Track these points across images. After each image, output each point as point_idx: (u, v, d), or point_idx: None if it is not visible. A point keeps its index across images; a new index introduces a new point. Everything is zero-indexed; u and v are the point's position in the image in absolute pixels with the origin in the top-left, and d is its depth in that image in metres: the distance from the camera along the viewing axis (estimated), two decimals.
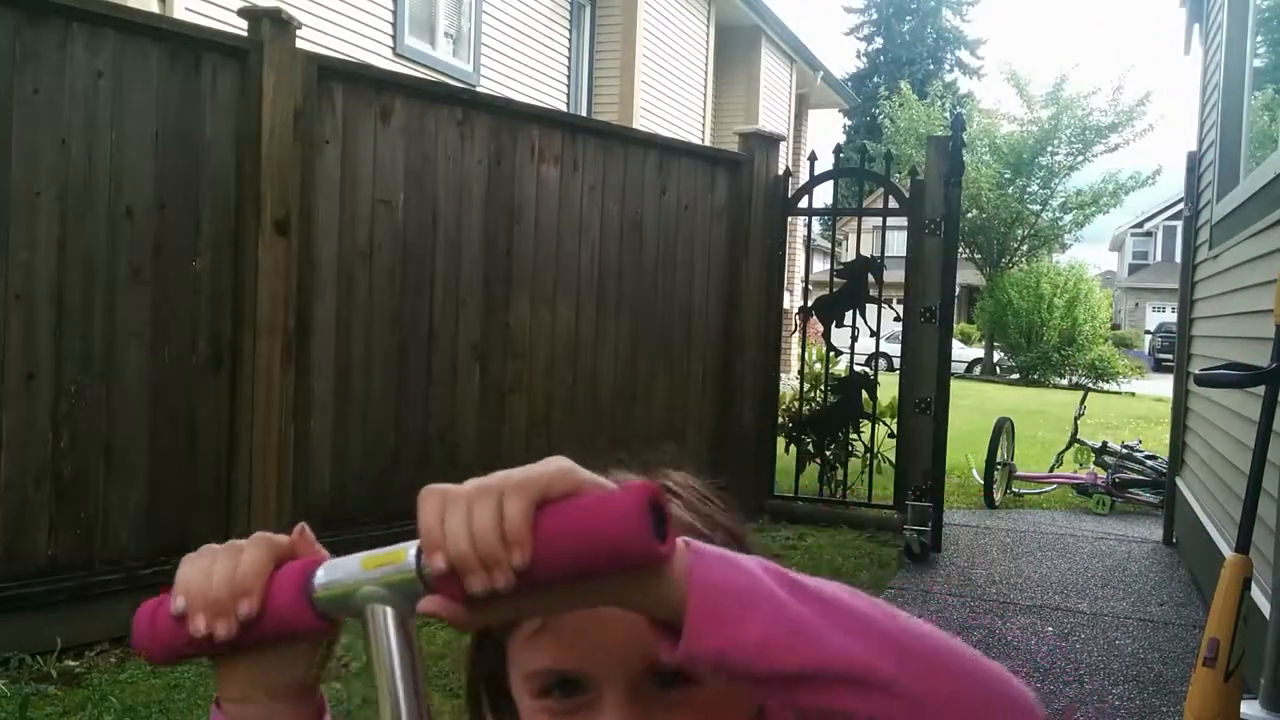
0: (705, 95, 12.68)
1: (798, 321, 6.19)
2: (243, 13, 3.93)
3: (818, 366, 6.51)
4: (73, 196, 3.32)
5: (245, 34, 3.84)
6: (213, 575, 0.59)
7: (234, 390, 3.75)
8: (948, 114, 22.97)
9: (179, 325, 3.61)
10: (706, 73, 12.67)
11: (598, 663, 0.65)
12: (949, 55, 46.83)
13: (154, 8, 5.71)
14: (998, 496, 7.11)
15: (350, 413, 4.15)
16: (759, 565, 0.56)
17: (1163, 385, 16.66)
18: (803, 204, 6.07)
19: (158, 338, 3.54)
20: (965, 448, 8.16)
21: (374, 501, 4.24)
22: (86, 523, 3.38)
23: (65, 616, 3.29)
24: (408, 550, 0.55)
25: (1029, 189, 23.39)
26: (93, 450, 3.39)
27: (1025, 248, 24.26)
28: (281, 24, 3.81)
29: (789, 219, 6.22)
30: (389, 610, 0.56)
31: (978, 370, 24.11)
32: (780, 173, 6.08)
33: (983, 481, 7.09)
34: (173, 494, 3.60)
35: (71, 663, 3.23)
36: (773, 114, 14.07)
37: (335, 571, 0.58)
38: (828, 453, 6.17)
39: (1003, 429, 7.24)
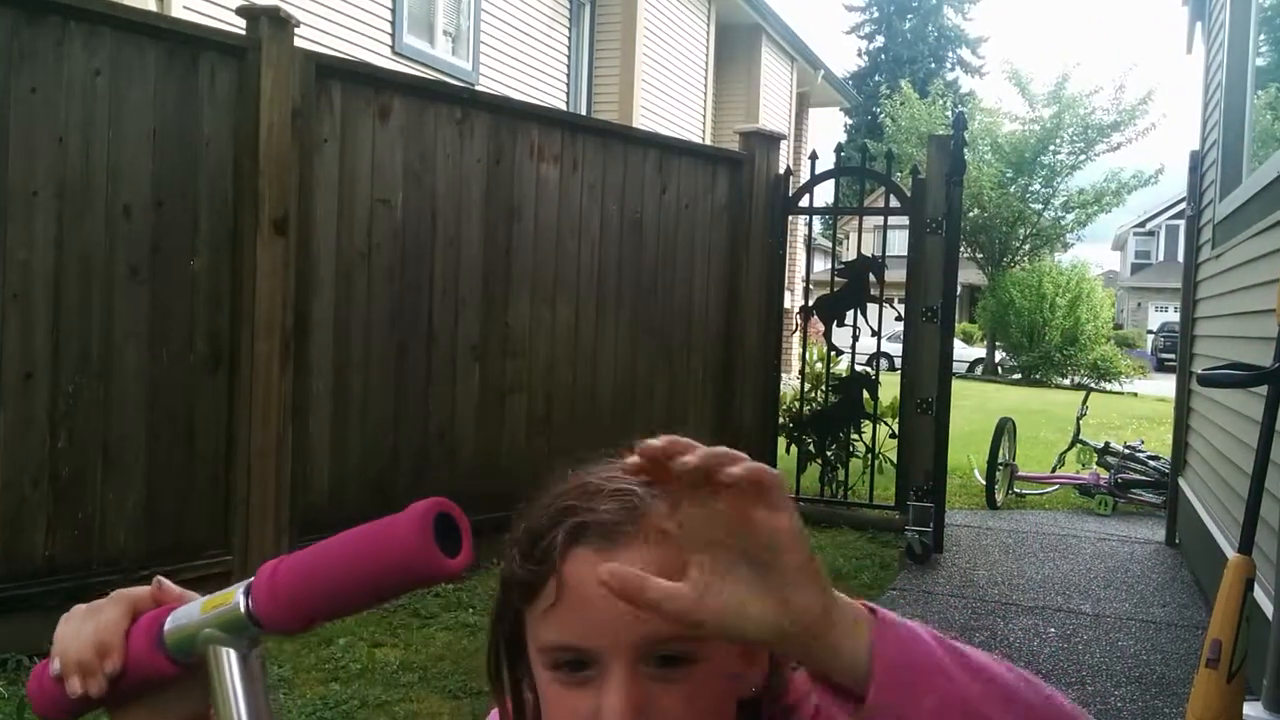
0: (705, 94, 12.66)
1: (799, 321, 6.17)
2: (241, 11, 3.92)
3: (819, 366, 6.49)
4: (70, 195, 3.31)
5: (243, 32, 3.83)
6: (80, 636, 0.61)
7: (232, 390, 3.74)
8: (949, 113, 22.97)
9: (177, 324, 3.60)
10: (707, 71, 12.65)
11: (604, 640, 0.69)
12: (950, 54, 46.79)
13: (152, 6, 5.69)
14: (1000, 497, 7.09)
15: (349, 412, 4.13)
16: (930, 635, 0.59)
17: (1165, 385, 16.63)
18: (804, 203, 6.05)
19: (156, 337, 3.53)
20: (967, 448, 8.15)
21: (373, 501, 4.22)
22: (84, 523, 3.36)
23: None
24: (237, 590, 0.57)
25: (1031, 188, 23.36)
26: (90, 450, 3.37)
27: (1027, 247, 24.22)
28: (280, 22, 3.79)
29: (790, 218, 6.20)
30: (229, 651, 0.57)
31: (979, 370, 24.09)
32: (781, 172, 6.06)
33: (984, 482, 7.07)
34: (171, 494, 3.59)
35: None
36: (773, 113, 14.05)
37: (180, 617, 0.59)
38: (829, 453, 6.15)
39: (1004, 429, 7.22)
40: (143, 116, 3.48)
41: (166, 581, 0.65)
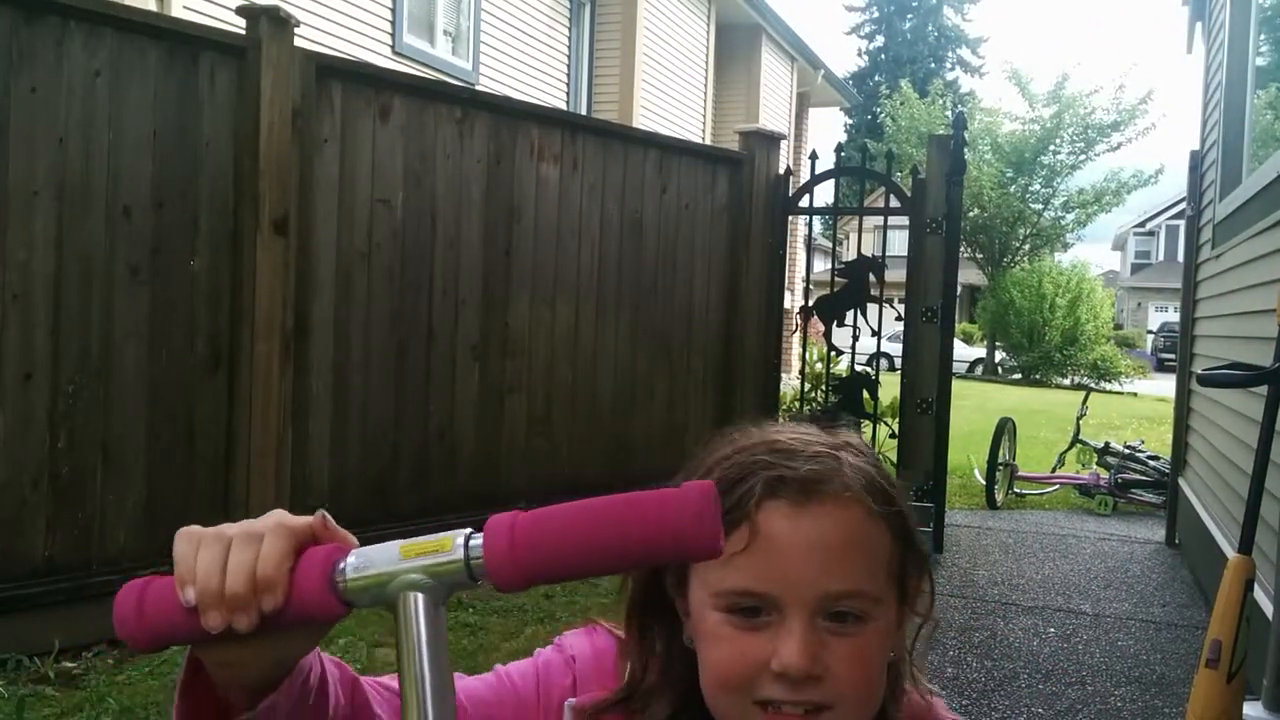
0: (705, 94, 12.66)
1: (799, 321, 6.17)
2: (241, 11, 3.92)
3: (819, 366, 6.49)
4: (70, 196, 3.31)
5: (243, 32, 3.83)
6: (229, 567, 0.57)
7: (232, 390, 3.74)
8: (949, 113, 22.98)
9: (177, 325, 3.60)
10: (707, 71, 12.65)
11: (789, 590, 0.73)
12: (950, 54, 46.80)
13: (152, 6, 5.69)
14: (1000, 497, 7.09)
15: (349, 412, 4.13)
16: None
17: (1165, 385, 16.63)
18: (804, 203, 6.05)
19: (156, 337, 3.53)
20: (967, 448, 8.15)
21: (373, 501, 4.22)
22: (84, 523, 3.36)
23: (62, 618, 3.27)
24: (455, 540, 0.56)
25: (1031, 188, 23.37)
26: (90, 450, 3.37)
27: (1027, 247, 24.23)
28: (280, 22, 3.79)
29: (790, 218, 6.20)
30: (421, 597, 0.55)
31: (979, 370, 24.09)
32: (781, 172, 6.06)
33: (984, 482, 7.07)
34: (171, 494, 3.59)
35: (69, 664, 3.21)
36: (773, 113, 14.05)
37: (369, 560, 0.57)
38: None
39: (1004, 429, 7.22)
40: (143, 117, 3.48)
41: (330, 518, 0.62)
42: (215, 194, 3.70)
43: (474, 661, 3.47)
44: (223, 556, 0.57)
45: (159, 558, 3.53)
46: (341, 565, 0.57)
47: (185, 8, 5.97)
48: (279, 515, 0.60)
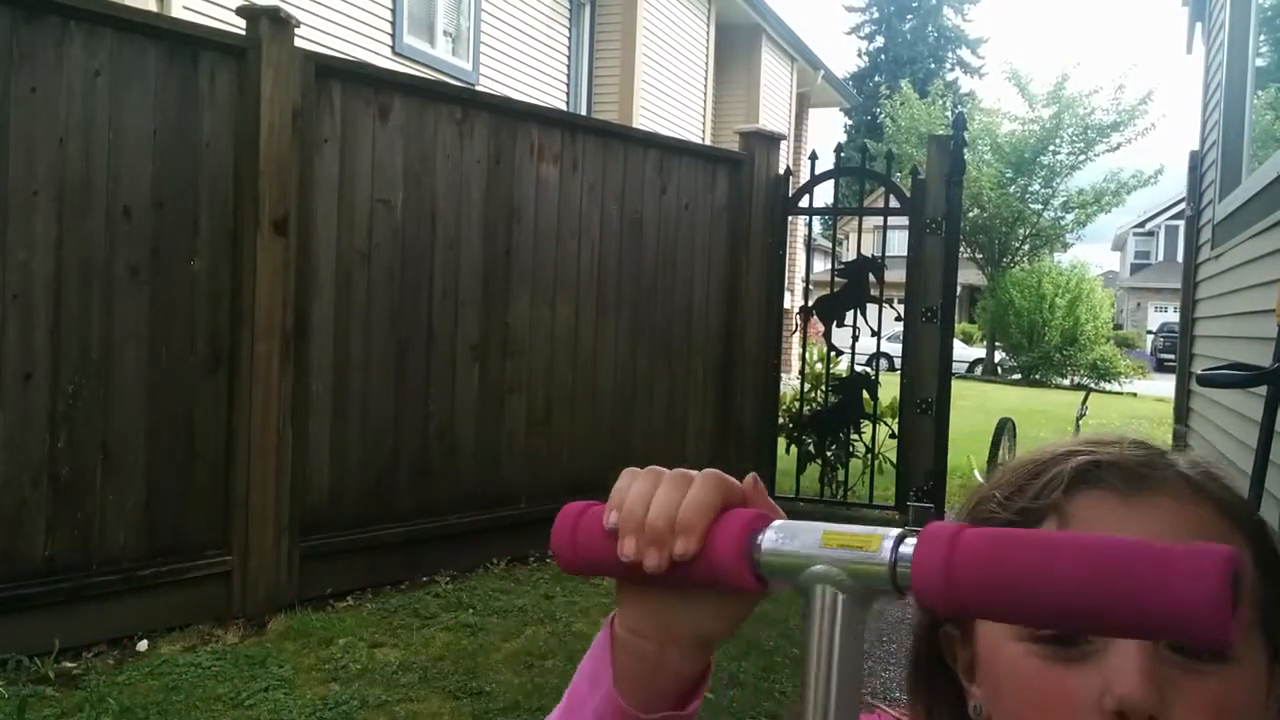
0: (705, 94, 12.66)
1: (798, 321, 6.17)
2: (241, 11, 3.92)
3: (819, 366, 6.49)
4: (70, 196, 3.31)
5: (243, 33, 3.82)
6: (654, 501, 0.54)
7: (232, 390, 3.73)
8: (949, 113, 22.98)
9: (177, 325, 3.59)
10: (707, 72, 12.65)
11: None
12: (950, 54, 46.79)
13: (152, 6, 5.69)
14: None
15: (349, 412, 4.13)
16: None
17: (1165, 385, 16.64)
18: (803, 203, 6.05)
19: (156, 338, 3.53)
20: (967, 448, 8.14)
21: (373, 501, 4.22)
22: (84, 523, 3.36)
23: (63, 618, 3.27)
24: (883, 540, 0.49)
25: (1030, 188, 23.37)
26: (90, 450, 3.37)
27: (1027, 247, 24.23)
28: (280, 22, 3.79)
29: (790, 218, 6.20)
30: (841, 597, 0.50)
31: (979, 370, 24.09)
32: (781, 172, 6.06)
33: (984, 482, 7.06)
34: (170, 494, 3.59)
35: (69, 664, 3.22)
36: (773, 113, 14.05)
37: (788, 537, 0.52)
38: (829, 453, 6.15)
39: (1004, 429, 7.21)
40: (143, 117, 3.48)
41: (762, 484, 0.57)
42: (215, 194, 3.69)
43: (473, 662, 3.48)
44: (651, 491, 0.55)
45: (160, 557, 3.54)
46: (762, 533, 0.53)
47: (185, 8, 5.97)
48: (715, 470, 0.56)
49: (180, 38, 3.60)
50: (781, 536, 0.52)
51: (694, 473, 0.56)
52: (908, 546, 0.48)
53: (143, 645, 3.42)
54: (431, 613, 3.94)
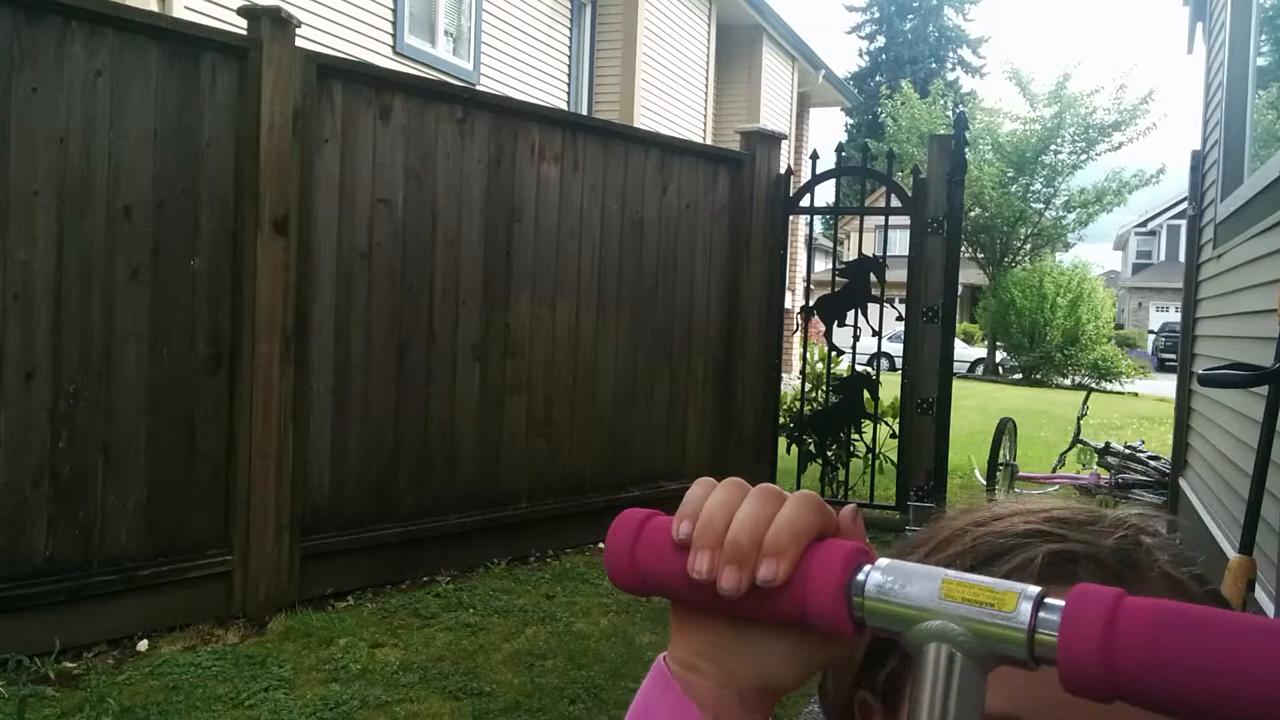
0: (706, 94, 12.66)
1: (799, 321, 6.17)
2: (242, 11, 3.92)
3: (820, 366, 6.48)
4: (71, 195, 3.31)
5: (245, 32, 3.82)
6: (739, 515, 0.48)
7: (233, 390, 3.74)
8: (950, 113, 22.97)
9: (177, 325, 3.60)
10: (708, 71, 12.65)
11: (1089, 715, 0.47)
12: (951, 54, 46.79)
13: (154, 6, 5.69)
14: (1000, 497, 7.07)
15: (349, 412, 4.13)
16: None
17: (1166, 385, 16.64)
18: (805, 203, 6.05)
19: (156, 337, 3.53)
20: (968, 448, 8.15)
21: (374, 502, 4.22)
22: (85, 523, 3.36)
23: (63, 618, 3.28)
24: (1019, 598, 0.42)
25: (1032, 188, 23.35)
26: (91, 450, 3.37)
27: (1028, 247, 24.22)
28: (281, 22, 3.79)
29: (791, 218, 6.20)
30: (960, 659, 0.43)
31: (980, 370, 24.09)
32: (782, 171, 6.06)
33: (985, 482, 7.07)
34: (171, 494, 3.59)
35: (69, 664, 3.22)
36: (774, 113, 14.05)
37: (901, 581, 0.45)
38: (829, 453, 6.15)
39: (1005, 429, 7.22)
40: (144, 116, 3.48)
41: (861, 520, 0.51)
42: (216, 194, 3.69)
43: (474, 662, 3.48)
44: (735, 503, 0.48)
45: (161, 557, 3.54)
46: (867, 571, 0.46)
47: (186, 8, 5.97)
48: (812, 493, 0.49)
49: (181, 37, 3.60)
50: (892, 579, 0.45)
51: (783, 491, 0.49)
52: (1051, 612, 0.41)
53: (143, 645, 3.43)
54: (432, 613, 3.94)
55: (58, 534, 3.30)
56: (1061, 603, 0.41)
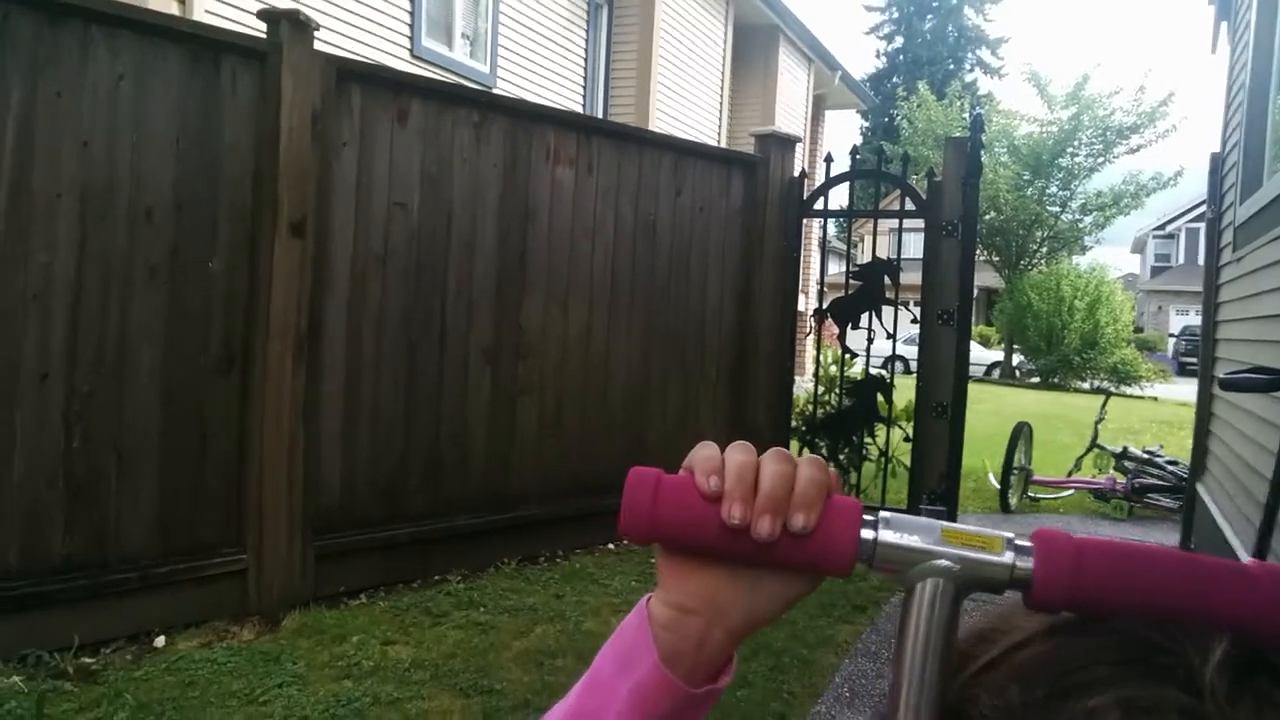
0: (721, 96, 12.66)
1: (813, 323, 6.16)
2: (262, 15, 3.95)
3: (833, 369, 6.47)
4: (93, 198, 3.35)
5: (264, 36, 3.85)
6: (769, 472, 0.54)
7: (245, 391, 3.77)
8: (966, 115, 22.86)
9: (192, 326, 3.63)
10: (723, 73, 12.65)
11: None
12: (970, 54, 46.57)
13: (174, 10, 5.75)
14: (1013, 500, 7.05)
15: (360, 414, 4.16)
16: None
17: (1187, 390, 16.51)
18: (819, 205, 6.04)
19: (171, 338, 3.57)
20: (982, 452, 8.12)
21: (384, 502, 4.25)
22: (100, 522, 3.40)
23: (81, 614, 3.31)
24: (1002, 544, 0.53)
25: (1048, 190, 23.24)
26: (105, 450, 3.41)
27: (1045, 250, 24.10)
28: (300, 26, 3.82)
29: (804, 221, 6.20)
30: (951, 587, 0.53)
31: (997, 373, 23.97)
32: (796, 174, 6.05)
33: (999, 485, 7.04)
34: (184, 493, 3.63)
35: (87, 660, 3.26)
36: (789, 115, 14.03)
37: (907, 527, 0.54)
38: (842, 456, 6.14)
39: (1021, 433, 7.19)
40: (165, 119, 3.52)
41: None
42: (235, 196, 3.73)
43: (484, 660, 3.49)
44: (754, 461, 0.55)
45: (176, 556, 3.57)
46: (874, 520, 0.55)
47: (207, 11, 6.02)
48: (818, 457, 0.57)
49: (202, 41, 3.64)
50: (898, 526, 0.54)
51: (787, 454, 0.56)
52: (1026, 555, 0.53)
53: (160, 641, 3.46)
54: (443, 611, 3.96)
55: (74, 533, 3.34)
56: (1030, 544, 0.53)
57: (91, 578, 3.35)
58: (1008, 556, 0.52)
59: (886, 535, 0.54)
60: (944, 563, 0.53)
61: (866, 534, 0.54)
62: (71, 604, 3.30)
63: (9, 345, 3.18)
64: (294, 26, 3.80)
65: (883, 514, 0.55)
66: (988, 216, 22.04)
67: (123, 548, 3.46)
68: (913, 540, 0.54)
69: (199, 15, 5.85)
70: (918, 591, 0.53)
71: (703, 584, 0.57)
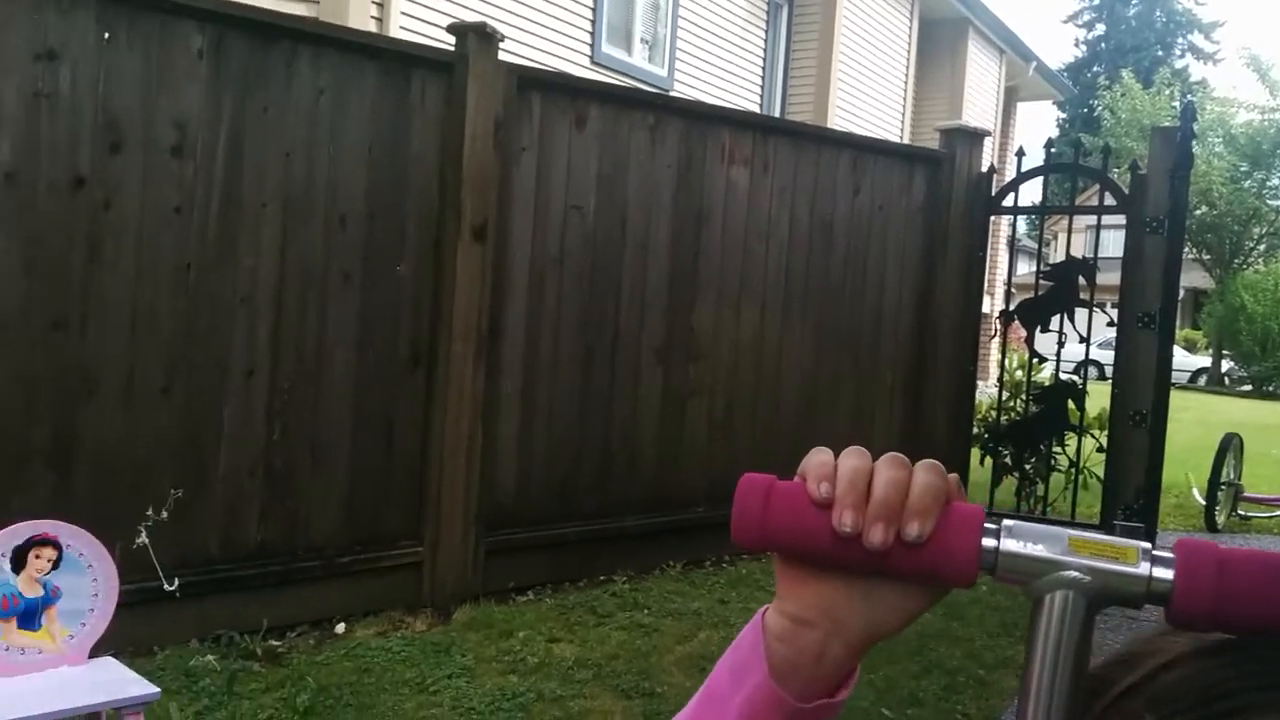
0: (905, 91, 12.29)
1: (998, 326, 5.88)
2: (451, 28, 4.10)
3: (1019, 374, 6.16)
4: (293, 207, 3.57)
5: (452, 48, 4.00)
6: (881, 479, 0.52)
7: (429, 391, 3.92)
8: (1175, 103, 21.32)
9: (382, 328, 3.81)
10: (908, 68, 12.28)
11: None
12: (1180, 39, 43.33)
13: (371, 27, 6.07)
14: (1220, 519, 6.51)
15: (536, 413, 4.26)
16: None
17: None
18: (1007, 202, 5.77)
19: (363, 339, 3.76)
20: (1185, 465, 7.53)
21: (556, 501, 4.34)
22: (291, 512, 3.62)
23: (271, 599, 3.54)
24: (1137, 553, 0.50)
25: (1269, 183, 21.34)
26: (300, 445, 3.63)
27: (1263, 247, 22.19)
28: (486, 37, 3.95)
29: (992, 218, 5.92)
30: (1075, 602, 0.50)
31: (1203, 380, 22.23)
32: (984, 170, 5.80)
33: (1204, 502, 6.51)
34: (370, 487, 3.81)
35: (274, 643, 3.46)
36: (978, 108, 13.46)
37: (1031, 536, 0.52)
38: (1027, 466, 5.83)
39: (1230, 445, 6.63)
40: (360, 131, 3.71)
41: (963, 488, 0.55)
42: (422, 203, 3.89)
43: (646, 662, 3.51)
44: (867, 467, 0.52)
45: (358, 546, 3.77)
46: (996, 529, 0.52)
47: (401, 27, 6.33)
48: (934, 461, 0.54)
49: (396, 55, 3.82)
50: (1021, 534, 0.52)
51: (902, 459, 0.53)
52: (1165, 566, 0.49)
53: (340, 628, 3.66)
54: (608, 611, 4.01)
55: (268, 521, 3.57)
56: (1169, 554, 0.50)
57: (281, 564, 3.58)
58: (1143, 567, 0.49)
59: (1009, 544, 0.51)
60: (1073, 574, 0.50)
61: (988, 542, 0.52)
62: (262, 589, 3.53)
63: (220, 344, 3.43)
64: (481, 39, 3.93)
65: (1005, 522, 0.53)
66: (1198, 211, 20.46)
67: (310, 537, 3.67)
68: (1038, 549, 0.51)
69: (394, 31, 6.15)
70: (1046, 604, 0.50)
71: (819, 594, 0.55)
